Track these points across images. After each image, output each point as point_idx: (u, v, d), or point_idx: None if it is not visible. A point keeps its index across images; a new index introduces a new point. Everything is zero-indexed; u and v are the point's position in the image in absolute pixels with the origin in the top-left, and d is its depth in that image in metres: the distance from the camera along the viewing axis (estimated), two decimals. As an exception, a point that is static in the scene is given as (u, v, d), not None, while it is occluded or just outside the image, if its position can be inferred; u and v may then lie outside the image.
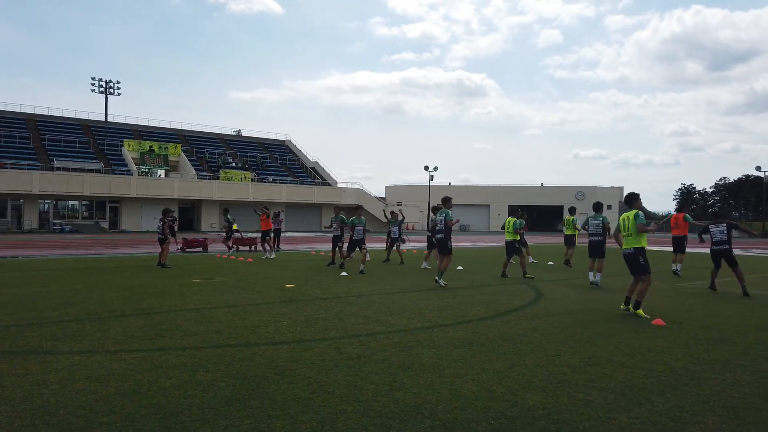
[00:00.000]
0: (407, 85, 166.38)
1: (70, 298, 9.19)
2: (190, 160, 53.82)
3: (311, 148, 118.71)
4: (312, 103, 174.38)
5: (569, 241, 16.28)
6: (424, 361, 5.36)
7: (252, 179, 53.93)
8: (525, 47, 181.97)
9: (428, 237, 15.13)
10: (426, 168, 60.93)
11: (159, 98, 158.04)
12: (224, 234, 20.83)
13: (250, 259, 17.73)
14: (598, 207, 12.09)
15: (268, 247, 18.66)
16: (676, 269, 14.01)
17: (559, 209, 62.57)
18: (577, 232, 16.11)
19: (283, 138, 68.39)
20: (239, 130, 66.67)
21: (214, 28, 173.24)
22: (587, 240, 12.12)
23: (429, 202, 62.42)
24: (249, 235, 28.06)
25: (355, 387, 4.54)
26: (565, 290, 10.97)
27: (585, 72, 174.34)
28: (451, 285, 11.53)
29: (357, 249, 14.80)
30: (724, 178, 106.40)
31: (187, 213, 52.16)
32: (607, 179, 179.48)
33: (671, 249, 14.63)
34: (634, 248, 8.13)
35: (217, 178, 51.94)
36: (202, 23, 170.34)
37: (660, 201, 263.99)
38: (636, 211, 8.22)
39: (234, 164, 57.13)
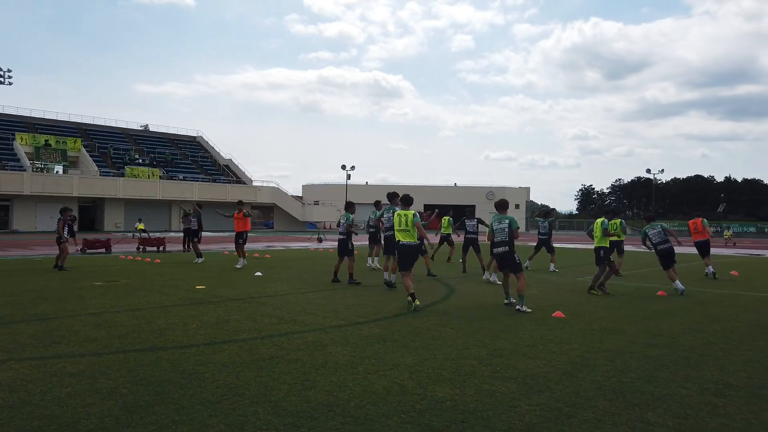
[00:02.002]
0: (324, 84, 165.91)
1: (-50, 304, 8.38)
2: (91, 156, 50.60)
3: (225, 145, 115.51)
4: (225, 98, 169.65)
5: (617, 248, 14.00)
6: (337, 359, 5.38)
7: (161, 176, 51.53)
8: (439, 51, 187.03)
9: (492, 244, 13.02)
10: (343, 167, 61.00)
11: (57, 90, 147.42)
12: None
13: (158, 260, 16.96)
14: (649, 218, 11.49)
15: (241, 255, 15.20)
16: (708, 271, 13.70)
17: (471, 208, 64.84)
18: (623, 237, 13.82)
19: (194, 134, 65.97)
20: (147, 125, 63.51)
21: (118, 17, 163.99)
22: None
23: (346, 201, 62.52)
24: (157, 235, 26.89)
25: (266, 388, 4.48)
26: (475, 286, 11.38)
27: (495, 77, 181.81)
28: (366, 283, 11.63)
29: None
30: (620, 179, 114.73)
31: (89, 212, 49.00)
32: (516, 180, 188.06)
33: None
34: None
35: (123, 175, 49.15)
36: (105, 11, 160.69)
37: (563, 200, 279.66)
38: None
39: (141, 161, 54.34)
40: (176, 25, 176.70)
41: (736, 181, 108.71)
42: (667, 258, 11.03)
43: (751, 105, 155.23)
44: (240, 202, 15.83)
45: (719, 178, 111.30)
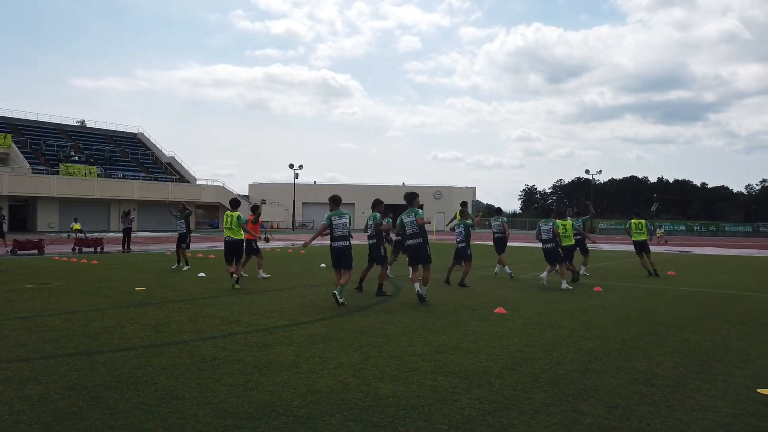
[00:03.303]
0: (271, 82, 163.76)
1: None
2: (23, 153, 48.11)
3: (167, 143, 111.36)
4: (168, 95, 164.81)
5: (642, 247, 14.00)
6: (281, 359, 5.34)
7: (99, 174, 49.52)
8: (387, 51, 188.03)
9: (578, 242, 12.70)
10: (291, 166, 60.43)
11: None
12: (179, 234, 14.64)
13: (95, 262, 16.31)
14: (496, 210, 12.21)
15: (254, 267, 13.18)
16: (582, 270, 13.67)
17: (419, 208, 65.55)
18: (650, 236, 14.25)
19: (134, 131, 63.67)
20: (83, 120, 60.84)
21: (54, 8, 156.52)
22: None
23: (294, 201, 61.90)
24: (95, 235, 25.92)
25: (207, 390, 4.40)
26: (421, 284, 11.49)
27: (442, 78, 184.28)
28: (313, 282, 11.58)
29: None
30: (561, 179, 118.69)
31: (21, 212, 46.51)
32: (463, 179, 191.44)
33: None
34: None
35: (57, 172, 46.93)
36: (39, 2, 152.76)
37: (507, 200, 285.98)
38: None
39: (77, 158, 52.00)
40: (117, 18, 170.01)
41: (667, 181, 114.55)
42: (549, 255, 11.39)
43: (681, 109, 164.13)
44: (256, 206, 13.27)
45: (652, 179, 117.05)
